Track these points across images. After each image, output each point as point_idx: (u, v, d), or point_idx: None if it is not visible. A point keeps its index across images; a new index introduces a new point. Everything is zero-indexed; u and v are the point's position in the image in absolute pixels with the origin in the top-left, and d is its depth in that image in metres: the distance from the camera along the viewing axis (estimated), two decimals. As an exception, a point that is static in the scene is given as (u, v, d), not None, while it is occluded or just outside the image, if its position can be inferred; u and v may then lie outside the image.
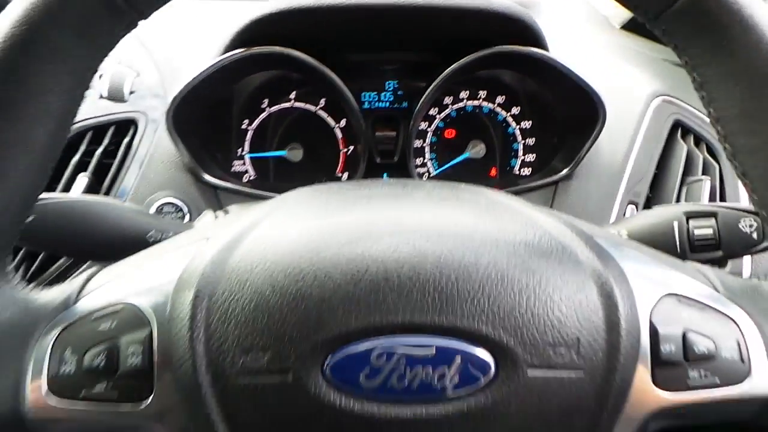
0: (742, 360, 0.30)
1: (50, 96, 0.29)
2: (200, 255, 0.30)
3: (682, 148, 0.62)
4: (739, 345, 0.30)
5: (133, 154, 0.59)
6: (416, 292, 0.27)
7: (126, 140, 0.59)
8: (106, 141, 0.58)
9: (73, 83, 0.29)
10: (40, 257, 0.49)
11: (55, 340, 0.29)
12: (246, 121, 0.66)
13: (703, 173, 0.61)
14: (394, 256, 0.28)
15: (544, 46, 0.60)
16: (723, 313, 0.31)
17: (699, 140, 0.63)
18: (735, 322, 0.31)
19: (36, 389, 0.29)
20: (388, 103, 0.67)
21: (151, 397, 0.29)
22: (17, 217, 0.30)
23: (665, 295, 0.30)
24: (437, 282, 0.27)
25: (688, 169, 0.61)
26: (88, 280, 0.32)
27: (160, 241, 0.42)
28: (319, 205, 0.32)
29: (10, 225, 0.30)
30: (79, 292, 0.31)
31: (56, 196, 0.42)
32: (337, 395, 0.27)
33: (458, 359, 0.27)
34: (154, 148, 0.60)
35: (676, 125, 0.63)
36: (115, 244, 0.42)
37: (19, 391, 0.29)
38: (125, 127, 0.60)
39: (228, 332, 0.27)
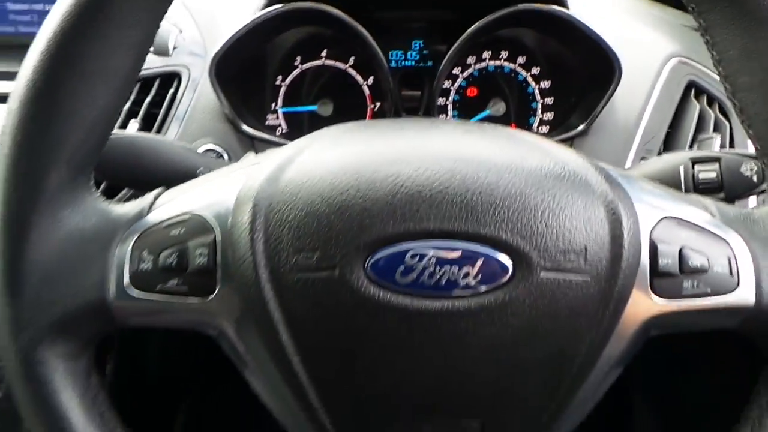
0: (731, 274, 0.34)
1: (132, 30, 0.33)
2: (255, 175, 0.34)
3: (695, 108, 0.65)
4: (729, 261, 0.34)
5: (177, 105, 0.63)
6: (445, 203, 0.31)
7: (171, 91, 0.64)
8: (153, 91, 0.63)
9: (150, 20, 0.34)
10: (100, 188, 0.55)
11: (134, 243, 0.34)
12: (279, 78, 0.70)
13: (714, 131, 0.64)
14: (426, 174, 0.32)
15: (564, 5, 0.62)
16: (717, 235, 0.35)
17: (712, 100, 0.66)
18: (728, 243, 0.34)
19: (119, 283, 0.34)
20: (413, 62, 0.70)
21: (215, 292, 0.33)
22: (102, 138, 0.35)
23: (665, 217, 0.34)
24: (463, 196, 0.31)
25: (699, 127, 0.64)
26: (156, 197, 0.37)
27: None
28: (359, 135, 0.36)
29: (96, 144, 0.35)
30: (150, 206, 0.36)
31: (119, 132, 0.46)
32: (376, 289, 0.31)
33: (481, 261, 0.31)
34: (196, 99, 0.64)
35: (690, 85, 0.66)
36: (169, 177, 0.47)
37: (104, 284, 0.34)
38: (170, 79, 0.64)
39: (283, 236, 0.32)
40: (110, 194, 0.55)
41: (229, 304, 0.33)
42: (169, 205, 0.36)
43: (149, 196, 0.37)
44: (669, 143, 0.65)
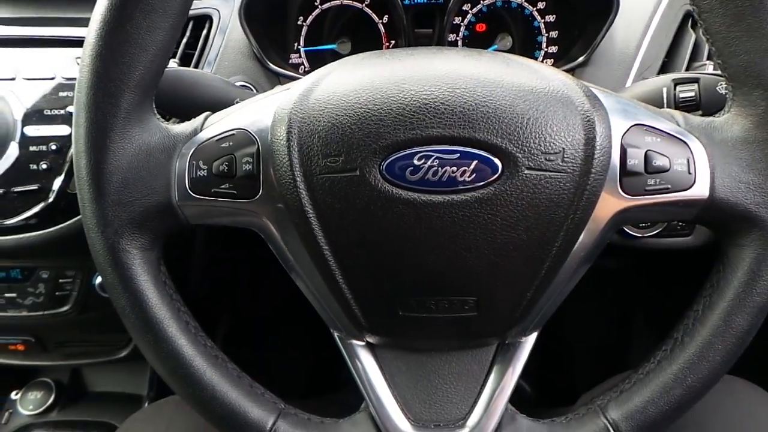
0: (689, 173, 0.40)
1: None
2: (288, 97, 0.41)
3: (690, 37, 0.69)
4: (688, 162, 0.40)
5: (210, 45, 0.70)
6: (447, 114, 0.38)
7: (204, 33, 0.70)
8: (187, 33, 0.69)
9: None
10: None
11: (191, 155, 0.42)
12: (301, 18, 0.75)
13: (708, 59, 0.68)
14: (430, 89, 0.38)
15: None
16: (680, 139, 0.40)
17: (708, 30, 0.70)
18: (688, 146, 0.40)
19: (182, 188, 0.42)
20: (426, -1, 0.75)
21: (259, 193, 0.41)
22: (161, 66, 0.42)
23: (635, 125, 0.40)
24: (462, 107, 0.38)
25: (694, 56, 0.68)
26: (206, 118, 0.44)
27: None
28: (375, 60, 0.43)
29: (157, 72, 0.41)
30: (202, 125, 0.43)
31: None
32: (390, 186, 0.38)
33: (475, 161, 0.38)
34: (226, 40, 0.71)
35: (688, 15, 0.70)
36: (211, 106, 0.53)
37: (170, 189, 0.42)
38: (202, 21, 0.70)
39: (314, 143, 0.39)
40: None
41: (271, 203, 0.41)
42: (217, 124, 0.43)
43: (200, 118, 0.44)
44: (665, 72, 0.69)
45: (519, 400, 0.48)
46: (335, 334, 0.48)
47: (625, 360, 1.09)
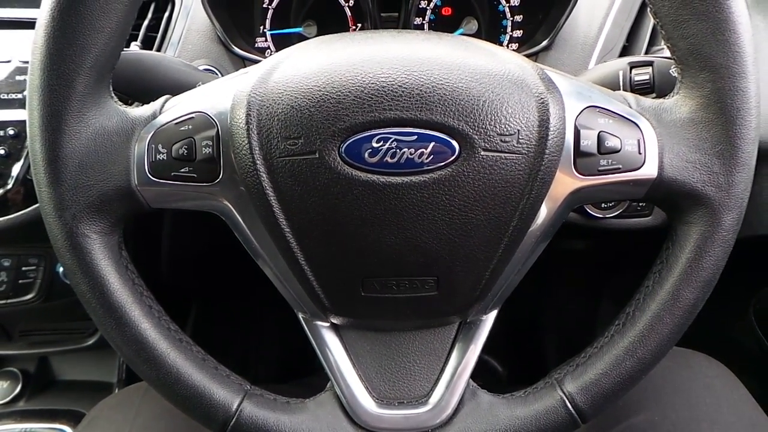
0: (639, 153, 0.41)
1: None
2: (247, 80, 0.41)
3: (649, 22, 0.71)
4: (639, 143, 0.41)
5: (173, 28, 0.69)
6: (404, 96, 0.38)
7: (165, 15, 0.69)
8: (149, 15, 0.68)
9: None
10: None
11: (150, 138, 0.41)
12: (266, 0, 0.75)
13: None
14: (388, 72, 0.39)
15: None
16: (631, 121, 0.42)
17: (666, 15, 0.71)
18: (639, 127, 0.42)
19: (141, 171, 0.41)
20: (392, -19, 0.75)
21: (219, 177, 0.41)
22: (117, 48, 0.41)
23: (588, 107, 0.41)
24: (419, 90, 0.38)
25: (653, 41, 0.70)
26: (165, 101, 0.44)
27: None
28: (334, 44, 0.43)
29: (113, 53, 0.41)
30: (161, 108, 0.43)
31: (127, 50, 0.52)
32: (349, 168, 0.39)
33: (433, 143, 0.38)
34: (190, 23, 0.70)
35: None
36: (172, 89, 0.53)
37: (129, 173, 0.41)
38: (164, 3, 0.69)
39: (273, 126, 0.39)
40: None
41: (232, 186, 0.41)
42: (177, 107, 0.43)
43: (159, 101, 0.44)
44: (625, 56, 0.71)
45: (492, 379, 0.49)
46: (300, 316, 0.48)
47: (593, 338, 1.12)
